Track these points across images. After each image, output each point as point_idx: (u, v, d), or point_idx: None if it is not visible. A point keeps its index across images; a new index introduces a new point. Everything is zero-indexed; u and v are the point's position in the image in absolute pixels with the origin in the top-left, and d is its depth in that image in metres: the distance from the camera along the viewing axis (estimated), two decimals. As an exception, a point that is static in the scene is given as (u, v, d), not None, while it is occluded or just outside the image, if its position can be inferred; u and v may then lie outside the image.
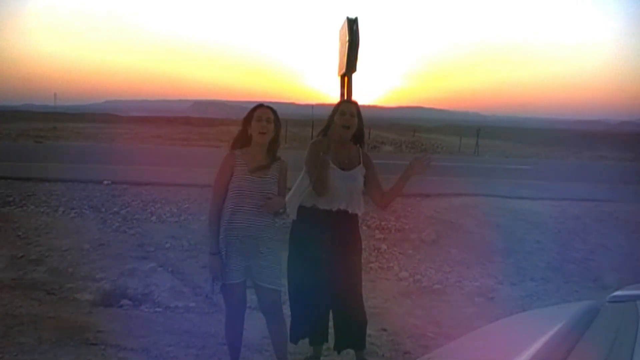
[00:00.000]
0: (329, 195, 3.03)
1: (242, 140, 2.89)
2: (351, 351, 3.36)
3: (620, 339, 1.12)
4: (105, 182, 8.44)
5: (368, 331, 3.36)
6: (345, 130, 3.08)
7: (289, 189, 3.09)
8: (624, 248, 6.62)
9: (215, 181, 2.86)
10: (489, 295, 5.22)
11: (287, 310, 3.15)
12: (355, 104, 3.20)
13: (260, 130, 2.79)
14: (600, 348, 1.09)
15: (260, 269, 2.81)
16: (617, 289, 1.69)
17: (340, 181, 3.05)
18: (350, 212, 3.08)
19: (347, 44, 4.56)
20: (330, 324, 3.32)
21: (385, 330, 4.06)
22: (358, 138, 3.20)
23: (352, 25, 4.54)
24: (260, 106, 2.89)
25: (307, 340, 3.32)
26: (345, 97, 5.04)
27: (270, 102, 3.17)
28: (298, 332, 3.23)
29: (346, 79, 4.98)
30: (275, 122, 2.85)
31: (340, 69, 4.98)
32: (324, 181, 2.98)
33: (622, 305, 1.49)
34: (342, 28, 4.82)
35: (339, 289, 3.17)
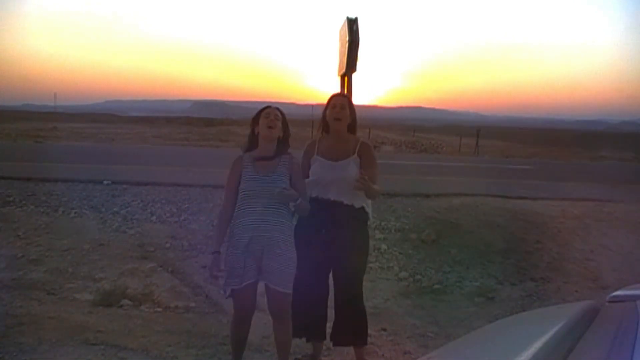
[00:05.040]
0: (320, 186, 3.08)
1: (251, 142, 2.93)
2: (351, 351, 3.35)
3: (620, 339, 1.12)
4: (105, 182, 8.44)
5: (368, 331, 3.35)
6: (337, 123, 3.12)
7: None
8: (624, 248, 6.61)
9: (225, 184, 2.90)
10: (489, 295, 5.22)
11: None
12: (345, 95, 3.24)
13: (268, 124, 2.83)
14: (600, 348, 1.09)
15: (271, 270, 2.78)
16: (617, 289, 1.69)
17: (327, 171, 3.08)
18: (345, 203, 3.06)
19: (347, 44, 4.55)
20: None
21: (385, 330, 4.06)
22: (352, 128, 3.21)
23: (352, 25, 4.53)
24: (267, 107, 2.96)
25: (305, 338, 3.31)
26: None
27: (271, 102, 3.21)
28: (297, 328, 3.22)
29: (346, 79, 4.97)
30: (283, 122, 2.90)
31: (340, 69, 4.98)
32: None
33: (622, 305, 1.49)
34: (342, 28, 4.81)
35: (338, 285, 3.18)
